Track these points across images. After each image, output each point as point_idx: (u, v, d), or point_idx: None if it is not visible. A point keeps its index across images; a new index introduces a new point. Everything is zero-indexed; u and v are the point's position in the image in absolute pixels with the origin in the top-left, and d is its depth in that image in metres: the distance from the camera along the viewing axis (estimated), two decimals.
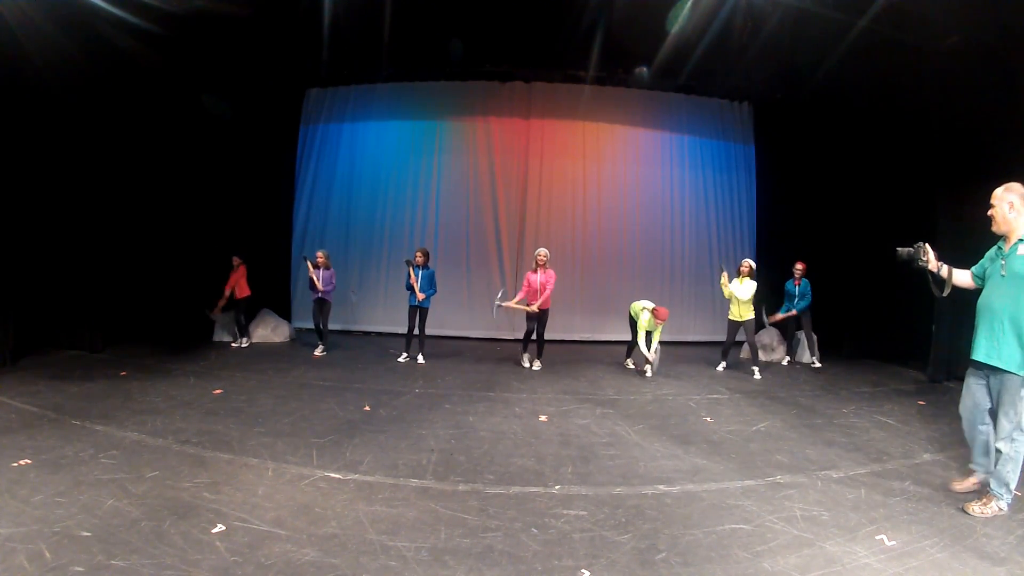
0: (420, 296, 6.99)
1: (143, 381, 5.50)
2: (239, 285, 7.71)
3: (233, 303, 7.81)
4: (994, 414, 3.08)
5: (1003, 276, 3.01)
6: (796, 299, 7.56)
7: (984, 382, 3.12)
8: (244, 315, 7.87)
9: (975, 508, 3.02)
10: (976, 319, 3.15)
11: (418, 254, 7.06)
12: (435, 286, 7.16)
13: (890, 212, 7.84)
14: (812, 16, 6.58)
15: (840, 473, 3.66)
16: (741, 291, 7.04)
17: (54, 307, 6.82)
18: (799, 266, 7.57)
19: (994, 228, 3.10)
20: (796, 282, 7.56)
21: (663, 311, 6.58)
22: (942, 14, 5.95)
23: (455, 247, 9.64)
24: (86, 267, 6.92)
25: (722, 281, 7.16)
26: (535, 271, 6.83)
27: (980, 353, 3.05)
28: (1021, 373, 2.91)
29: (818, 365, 7.45)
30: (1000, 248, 3.11)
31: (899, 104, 7.45)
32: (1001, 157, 5.77)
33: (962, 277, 3.31)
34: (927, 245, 3.29)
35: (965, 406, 3.23)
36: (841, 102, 8.32)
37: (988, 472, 3.19)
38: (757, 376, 6.84)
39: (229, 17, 6.58)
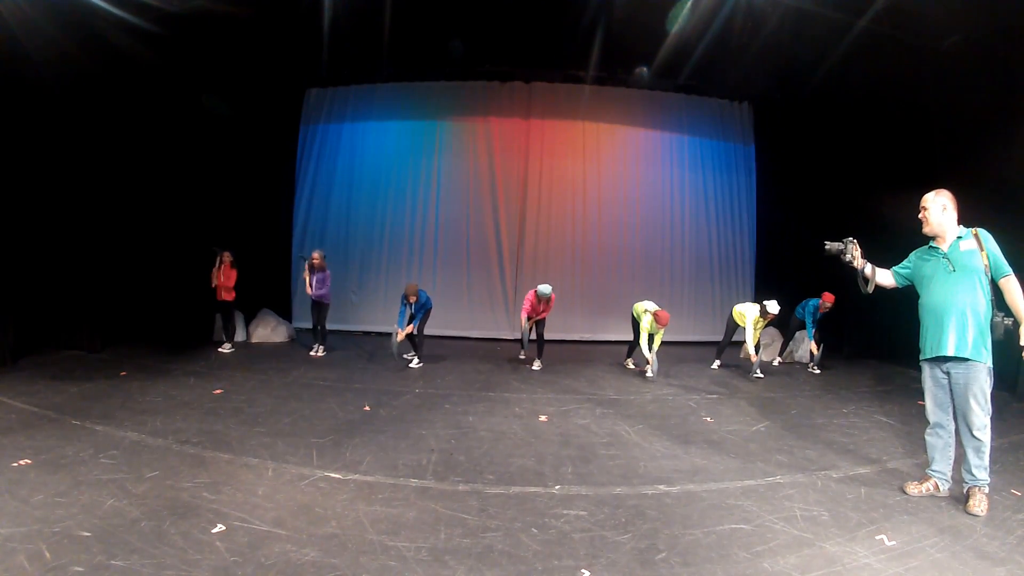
0: (414, 330, 6.74)
1: (143, 381, 5.50)
2: (224, 288, 7.50)
3: (217, 306, 7.68)
4: (959, 410, 3.12)
5: (952, 272, 3.12)
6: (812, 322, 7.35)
7: (945, 379, 3.17)
8: (230, 318, 7.69)
9: (976, 508, 3.03)
10: (926, 319, 3.23)
11: (411, 296, 6.60)
12: (429, 302, 6.88)
13: (889, 212, 7.83)
14: (812, 16, 6.59)
15: (840, 473, 3.66)
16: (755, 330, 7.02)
17: (54, 307, 6.81)
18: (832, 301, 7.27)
19: (926, 230, 3.25)
20: (822, 310, 7.28)
21: (664, 315, 6.53)
22: (942, 14, 5.96)
23: (455, 247, 9.64)
24: (86, 267, 6.92)
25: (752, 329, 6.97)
26: (538, 301, 6.81)
27: (948, 348, 3.09)
28: (988, 362, 3.02)
29: (817, 371, 7.45)
30: (934, 248, 3.24)
31: (899, 104, 7.45)
32: (1001, 156, 5.78)
33: (884, 277, 3.45)
34: (855, 242, 3.42)
35: (929, 409, 3.27)
36: (841, 102, 8.32)
37: (946, 481, 3.26)
38: (759, 375, 6.83)
39: (229, 17, 6.59)
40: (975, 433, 3.04)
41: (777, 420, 4.96)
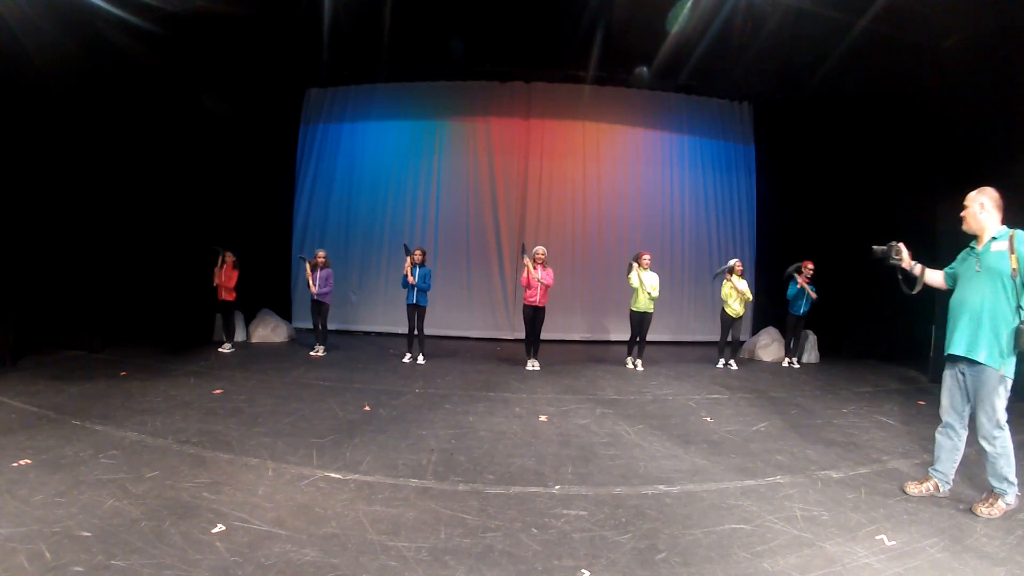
0: (412, 280, 6.94)
1: (143, 381, 5.50)
2: (225, 287, 7.51)
3: (218, 306, 7.69)
4: (973, 413, 3.10)
5: (978, 272, 3.08)
6: (806, 298, 7.53)
7: (961, 379, 3.13)
8: (230, 318, 7.69)
9: (982, 509, 3.01)
10: (950, 316, 3.20)
11: (418, 252, 7.09)
12: (428, 284, 7.11)
13: (890, 212, 7.84)
14: (812, 16, 6.59)
15: (840, 473, 3.66)
16: (743, 286, 7.33)
17: (54, 307, 6.81)
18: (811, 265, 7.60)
19: (965, 228, 3.20)
20: (806, 280, 7.50)
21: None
22: (942, 14, 5.96)
23: (455, 247, 9.64)
24: (86, 267, 6.92)
25: (736, 288, 7.36)
26: (534, 268, 6.84)
27: (959, 347, 3.07)
28: (999, 368, 2.95)
29: (797, 366, 7.70)
30: (972, 248, 3.20)
31: (899, 104, 7.46)
32: (1001, 156, 5.78)
33: (934, 277, 3.39)
34: (901, 244, 3.39)
35: (943, 407, 3.25)
36: (841, 102, 8.32)
37: (946, 483, 3.24)
38: (734, 367, 7.27)
39: (229, 17, 6.59)
40: (980, 441, 3.00)
41: (777, 420, 4.96)
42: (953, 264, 3.34)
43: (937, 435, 3.29)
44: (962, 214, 3.19)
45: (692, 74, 8.56)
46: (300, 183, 9.82)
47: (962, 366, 3.10)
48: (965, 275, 3.16)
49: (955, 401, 3.18)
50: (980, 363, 2.98)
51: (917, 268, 3.36)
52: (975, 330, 3.01)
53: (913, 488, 3.29)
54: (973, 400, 3.05)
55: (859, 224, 8.31)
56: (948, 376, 3.21)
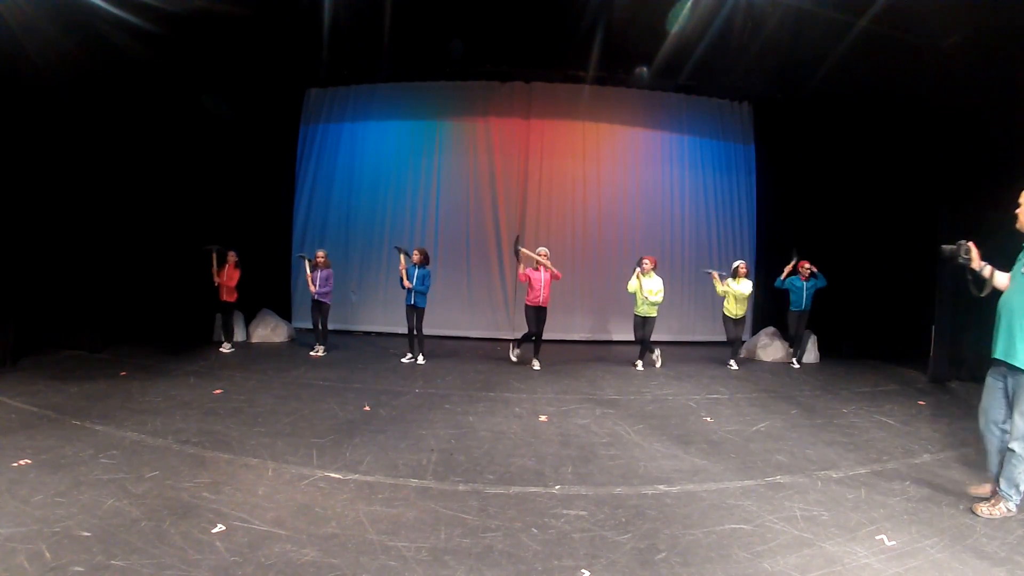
0: (408, 284, 6.93)
1: (143, 381, 5.50)
2: (227, 287, 7.53)
3: (219, 306, 7.69)
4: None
5: (1022, 274, 3.01)
6: (806, 295, 7.61)
7: (1002, 383, 3.07)
8: (230, 318, 7.70)
9: (983, 509, 3.01)
10: (996, 319, 3.13)
11: (416, 252, 7.08)
12: (426, 285, 7.09)
13: (891, 212, 7.84)
14: (812, 16, 6.59)
15: (840, 473, 3.67)
16: (741, 288, 7.33)
17: (54, 307, 6.81)
18: (807, 264, 7.68)
19: (1018, 226, 3.09)
20: (804, 278, 7.61)
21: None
22: (942, 14, 5.95)
23: (455, 247, 9.64)
24: (86, 267, 6.92)
25: (723, 285, 7.44)
26: (536, 268, 6.85)
27: (998, 351, 3.03)
28: None
29: (797, 366, 7.69)
30: None
31: (899, 104, 7.46)
32: (1002, 156, 5.79)
33: (1002, 279, 3.25)
34: (971, 244, 3.27)
35: (981, 407, 3.21)
36: (841, 102, 8.32)
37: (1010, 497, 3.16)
38: (734, 367, 7.27)
39: (229, 17, 6.58)
40: (1012, 442, 2.95)
41: (777, 420, 4.96)
42: (1015, 265, 3.22)
43: (984, 432, 3.19)
44: (1016, 211, 3.09)
45: (692, 74, 8.54)
46: (300, 183, 9.81)
47: (1003, 370, 3.05)
48: (1014, 277, 3.10)
49: (988, 403, 3.13)
50: (1018, 368, 2.93)
51: (987, 269, 3.24)
52: (1014, 334, 2.96)
53: (984, 509, 3.08)
54: (1013, 404, 2.99)
55: (859, 224, 8.33)
56: (991, 379, 3.15)
